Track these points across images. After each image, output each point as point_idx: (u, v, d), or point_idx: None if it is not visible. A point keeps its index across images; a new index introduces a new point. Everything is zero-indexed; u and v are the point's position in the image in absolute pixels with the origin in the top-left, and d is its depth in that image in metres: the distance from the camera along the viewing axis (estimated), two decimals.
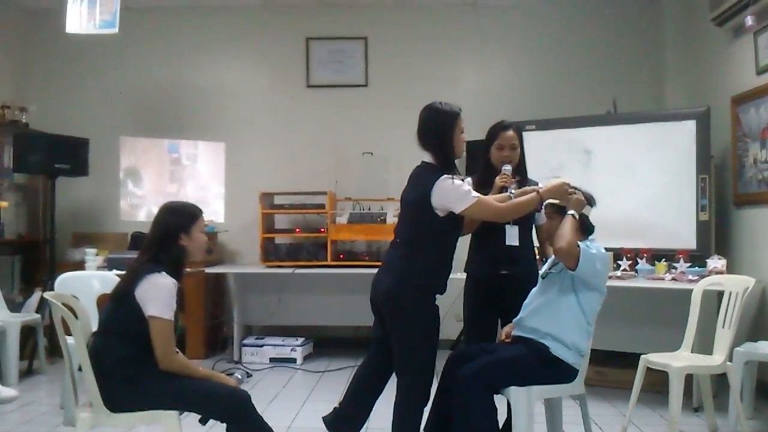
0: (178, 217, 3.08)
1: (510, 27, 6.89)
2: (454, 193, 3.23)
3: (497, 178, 3.58)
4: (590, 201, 3.40)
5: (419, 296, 3.32)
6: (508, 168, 3.61)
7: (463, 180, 3.34)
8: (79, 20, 5.28)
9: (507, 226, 3.59)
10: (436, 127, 3.37)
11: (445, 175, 3.25)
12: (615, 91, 6.23)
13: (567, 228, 3.22)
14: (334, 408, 3.65)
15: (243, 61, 7.09)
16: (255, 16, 7.00)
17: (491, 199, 3.40)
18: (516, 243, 3.61)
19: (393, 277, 3.34)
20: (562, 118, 5.86)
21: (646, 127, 5.47)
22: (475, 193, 3.27)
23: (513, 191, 3.48)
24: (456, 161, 3.42)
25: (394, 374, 3.46)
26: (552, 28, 6.84)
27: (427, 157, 3.39)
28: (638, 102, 6.34)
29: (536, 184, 3.72)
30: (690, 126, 5.24)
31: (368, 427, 4.20)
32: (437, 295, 3.39)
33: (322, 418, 3.62)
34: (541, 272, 3.52)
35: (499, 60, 6.95)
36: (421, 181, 3.33)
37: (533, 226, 3.79)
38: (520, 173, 3.72)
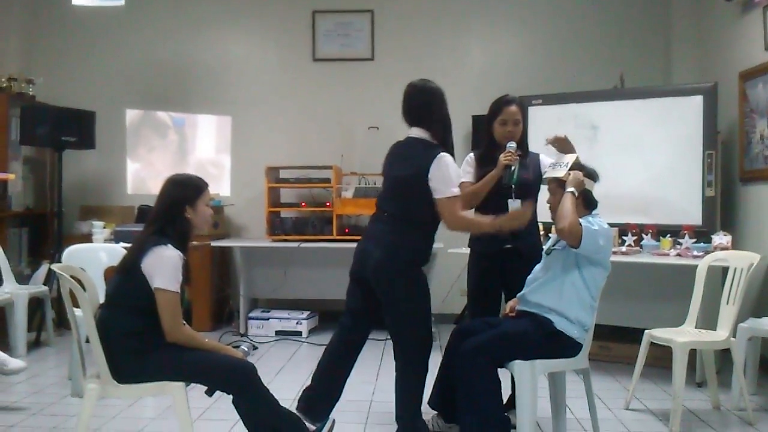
0: (184, 190, 3.09)
1: (517, 0, 6.83)
2: (447, 173, 3.28)
3: (501, 155, 3.56)
4: (593, 176, 3.39)
5: (409, 269, 3.39)
6: (512, 145, 3.59)
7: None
8: None
9: (510, 201, 3.58)
10: (430, 103, 3.40)
11: (443, 153, 3.31)
12: (622, 66, 6.18)
13: (567, 207, 3.22)
14: (304, 392, 3.55)
15: (249, 34, 7.05)
16: None
17: (463, 204, 3.41)
18: None
19: (383, 251, 3.35)
20: (568, 93, 5.83)
21: (653, 102, 5.43)
22: (456, 190, 3.30)
23: (513, 168, 3.51)
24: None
25: (389, 348, 3.48)
26: (559, 1, 6.77)
27: (416, 133, 3.42)
28: (645, 77, 6.29)
29: (537, 157, 3.77)
30: (697, 101, 5.21)
31: (372, 401, 4.25)
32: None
33: (296, 410, 3.42)
34: (545, 248, 3.53)
35: (506, 34, 6.89)
36: (416, 157, 3.35)
37: (537, 200, 3.78)
38: (522, 148, 3.70)
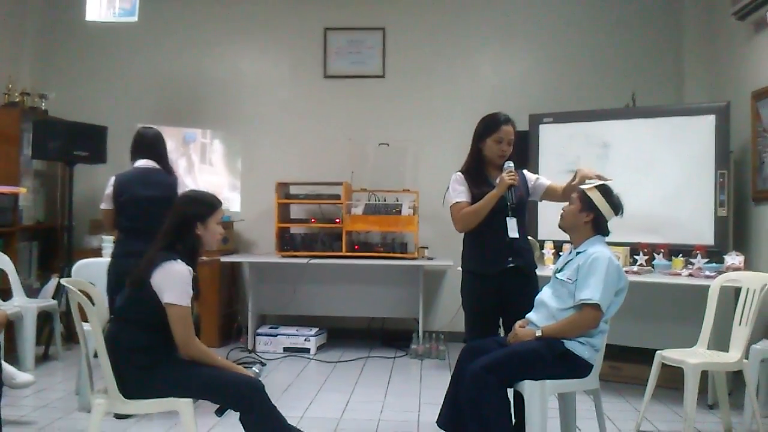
0: (196, 207, 3.10)
1: (529, 18, 6.84)
2: None
3: (504, 175, 3.52)
4: (617, 209, 3.38)
5: None
6: (511, 164, 3.57)
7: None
8: (98, 8, 5.31)
9: (507, 219, 3.56)
10: (161, 140, 4.56)
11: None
12: (634, 85, 6.18)
13: (571, 331, 3.24)
14: None
15: (261, 51, 7.10)
16: (273, 6, 7.00)
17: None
18: (517, 235, 3.58)
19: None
20: (580, 111, 5.82)
21: (665, 121, 5.42)
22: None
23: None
24: None
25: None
26: (571, 20, 6.78)
27: (148, 164, 4.41)
28: (657, 96, 6.29)
29: (522, 173, 3.77)
30: (709, 121, 5.19)
31: (380, 419, 4.23)
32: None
33: None
34: (553, 269, 3.51)
35: (517, 51, 6.90)
36: (161, 182, 4.38)
37: (525, 217, 3.76)
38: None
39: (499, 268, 3.58)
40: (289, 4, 6.99)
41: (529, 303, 3.47)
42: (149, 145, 4.47)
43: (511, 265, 3.58)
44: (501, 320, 3.70)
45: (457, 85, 6.80)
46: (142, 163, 4.41)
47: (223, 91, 7.00)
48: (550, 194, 3.76)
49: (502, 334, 3.62)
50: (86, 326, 3.04)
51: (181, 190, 4.20)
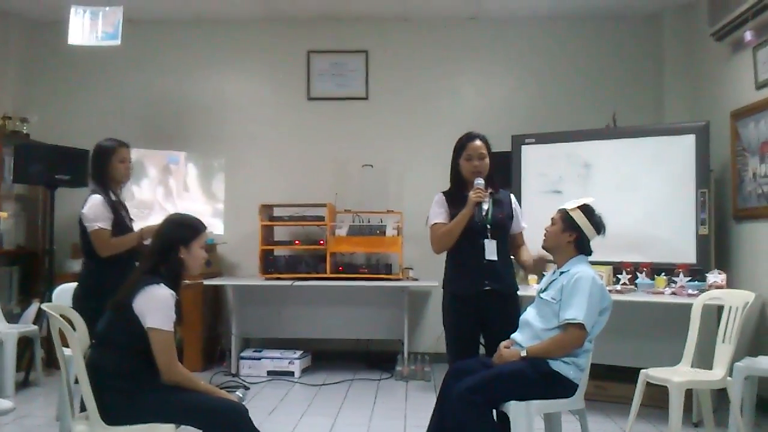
0: (180, 230, 3.08)
1: (511, 41, 6.91)
2: (94, 209, 3.94)
3: (471, 193, 3.53)
4: (599, 229, 3.39)
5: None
6: (480, 181, 3.56)
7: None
8: (81, 32, 5.31)
9: (486, 241, 3.54)
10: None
11: (94, 195, 3.99)
12: (615, 105, 6.22)
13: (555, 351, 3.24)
14: None
15: (244, 74, 7.11)
16: (257, 29, 7.02)
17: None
18: (495, 258, 3.55)
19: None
20: (561, 132, 5.86)
21: (645, 141, 5.46)
22: (98, 224, 3.89)
23: (486, 206, 3.53)
24: None
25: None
26: (552, 42, 6.85)
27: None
28: (638, 116, 6.34)
29: (508, 195, 3.76)
30: (689, 140, 5.24)
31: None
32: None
33: None
34: (537, 289, 3.51)
35: (499, 73, 6.96)
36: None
37: (507, 240, 3.74)
38: (492, 186, 3.66)
39: (475, 290, 3.56)
40: (272, 28, 7.01)
41: (509, 324, 3.47)
42: (90, 165, 4.21)
43: (487, 287, 3.56)
44: (483, 340, 3.69)
45: (441, 106, 6.84)
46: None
47: (207, 114, 7.00)
48: (512, 242, 3.75)
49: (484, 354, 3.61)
50: (67, 351, 3.00)
51: (85, 208, 3.92)
